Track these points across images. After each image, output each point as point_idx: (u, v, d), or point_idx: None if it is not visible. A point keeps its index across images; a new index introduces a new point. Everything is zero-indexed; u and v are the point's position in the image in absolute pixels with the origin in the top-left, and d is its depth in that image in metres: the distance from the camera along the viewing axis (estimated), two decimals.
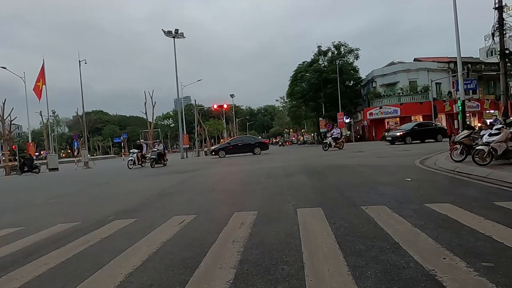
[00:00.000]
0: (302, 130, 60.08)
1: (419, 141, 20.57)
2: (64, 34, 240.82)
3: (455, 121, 17.54)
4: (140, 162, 16.04)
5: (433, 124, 22.53)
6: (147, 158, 16.52)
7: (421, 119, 33.33)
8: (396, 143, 20.16)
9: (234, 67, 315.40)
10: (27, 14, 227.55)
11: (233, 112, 57.70)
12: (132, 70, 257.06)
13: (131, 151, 17.09)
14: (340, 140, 19.10)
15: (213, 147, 26.02)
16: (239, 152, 21.77)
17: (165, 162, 16.24)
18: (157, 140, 17.16)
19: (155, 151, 15.92)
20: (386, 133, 24.56)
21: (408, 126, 22.48)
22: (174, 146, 77.75)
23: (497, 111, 31.60)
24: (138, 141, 20.08)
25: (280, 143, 52.29)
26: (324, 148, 18.53)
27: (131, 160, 15.83)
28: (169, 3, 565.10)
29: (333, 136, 19.14)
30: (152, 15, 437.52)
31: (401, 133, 20.98)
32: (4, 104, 27.15)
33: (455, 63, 18.02)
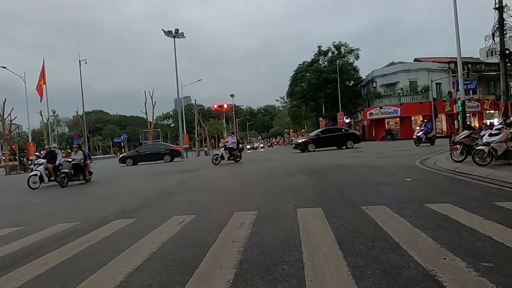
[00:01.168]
0: (302, 130, 60.08)
1: (325, 149, 18.91)
2: (64, 34, 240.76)
3: (455, 121, 17.46)
4: (53, 178, 10.20)
5: (343, 130, 20.90)
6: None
7: (421, 119, 33.41)
8: (301, 150, 18.92)
9: (234, 67, 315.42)
10: (27, 14, 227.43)
11: (233, 112, 57.73)
12: (132, 70, 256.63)
13: (35, 162, 11.04)
14: (237, 152, 14.24)
15: (121, 155, 24.02)
16: (148, 160, 20.50)
17: (88, 177, 10.75)
18: (75, 146, 11.40)
19: (70, 161, 10.35)
20: (292, 139, 23.07)
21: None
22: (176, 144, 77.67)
23: (497, 111, 31.59)
24: (48, 146, 14.01)
25: (268, 144, 51.29)
26: (214, 162, 13.51)
27: (36, 175, 9.91)
28: (169, 3, 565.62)
29: (227, 146, 13.87)
30: (152, 15, 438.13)
31: (303, 140, 19.85)
32: (4, 103, 27.15)
33: (455, 63, 18.02)
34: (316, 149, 18.70)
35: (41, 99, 25.24)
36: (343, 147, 18.80)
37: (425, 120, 17.41)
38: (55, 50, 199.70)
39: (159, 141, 17.43)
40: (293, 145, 20.71)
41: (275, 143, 55.44)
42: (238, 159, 14.41)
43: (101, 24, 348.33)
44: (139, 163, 20.30)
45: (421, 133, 16.53)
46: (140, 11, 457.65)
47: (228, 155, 13.87)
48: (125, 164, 20.53)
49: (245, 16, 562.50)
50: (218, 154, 13.83)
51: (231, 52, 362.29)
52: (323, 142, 19.11)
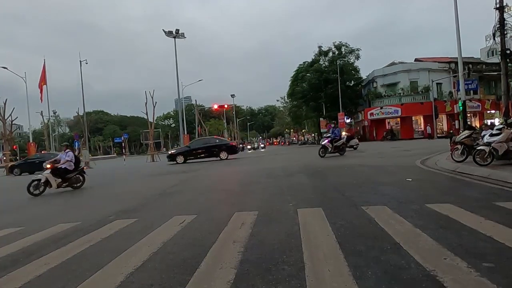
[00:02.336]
0: (303, 130, 60.09)
1: (197, 160, 18.07)
2: (64, 34, 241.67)
3: (456, 121, 17.38)
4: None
5: (217, 141, 19.35)
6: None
7: (422, 119, 33.38)
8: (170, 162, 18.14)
9: (234, 67, 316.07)
10: (27, 14, 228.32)
11: (233, 112, 57.73)
12: (132, 70, 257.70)
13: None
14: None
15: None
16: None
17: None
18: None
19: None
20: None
21: (195, 143, 19.60)
22: (175, 146, 77.82)
23: (498, 111, 31.55)
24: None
25: (256, 145, 50.10)
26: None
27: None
28: (169, 3, 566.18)
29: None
30: (152, 15, 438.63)
31: (172, 152, 19.20)
32: (5, 104, 27.21)
33: (456, 63, 18.01)
34: (187, 161, 17.79)
35: (42, 99, 25.30)
36: (217, 159, 17.73)
37: (332, 125, 15.99)
38: (55, 50, 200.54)
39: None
40: (167, 157, 19.12)
41: (275, 143, 55.34)
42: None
43: (101, 24, 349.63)
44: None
45: (326, 141, 13.59)
46: (139, 11, 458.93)
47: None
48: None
49: (245, 16, 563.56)
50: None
51: (231, 52, 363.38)
52: (194, 154, 18.19)
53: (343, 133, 17.98)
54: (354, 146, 17.76)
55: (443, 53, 62.99)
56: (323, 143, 13.74)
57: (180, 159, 17.91)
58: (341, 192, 5.20)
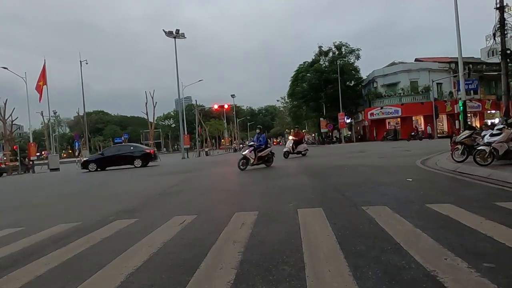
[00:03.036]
0: (303, 131, 60.11)
1: (112, 168, 17.63)
2: (64, 34, 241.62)
3: (456, 121, 17.35)
4: None
5: (131, 148, 18.60)
6: None
7: (422, 119, 33.36)
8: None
9: (234, 67, 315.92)
10: (27, 14, 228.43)
11: (233, 113, 57.73)
12: (132, 70, 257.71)
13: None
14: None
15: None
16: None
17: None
18: None
19: None
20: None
21: (109, 151, 19.30)
22: (175, 146, 77.83)
23: (498, 111, 31.52)
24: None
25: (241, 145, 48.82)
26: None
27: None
28: (169, 3, 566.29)
29: None
30: (151, 15, 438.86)
31: (85, 159, 18.68)
32: (5, 104, 27.22)
33: (456, 63, 18.00)
34: (98, 169, 17.34)
35: (40, 99, 25.28)
36: (131, 167, 17.27)
37: (258, 131, 11.46)
38: (55, 50, 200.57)
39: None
40: (81, 164, 18.65)
41: (275, 142, 55.40)
42: None
43: (101, 24, 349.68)
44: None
45: (247, 150, 10.66)
46: (139, 11, 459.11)
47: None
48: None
49: (244, 16, 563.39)
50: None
51: (231, 52, 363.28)
52: (107, 161, 17.79)
53: (290, 137, 16.12)
54: (303, 152, 15.29)
55: (443, 53, 62.99)
56: (244, 153, 10.75)
57: (92, 166, 17.55)
58: (341, 192, 5.20)
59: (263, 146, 10.90)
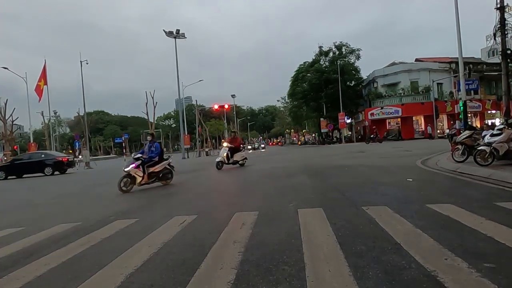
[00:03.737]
0: (303, 131, 60.09)
1: (28, 176, 16.97)
2: (64, 34, 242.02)
3: (457, 122, 17.30)
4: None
5: (42, 156, 17.92)
6: None
7: (423, 120, 33.34)
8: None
9: (234, 67, 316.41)
10: (26, 14, 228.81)
11: (234, 113, 57.72)
12: (132, 70, 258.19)
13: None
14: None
15: None
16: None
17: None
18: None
19: None
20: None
21: (20, 158, 18.73)
22: (175, 147, 77.84)
23: (498, 111, 31.50)
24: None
25: (256, 145, 48.52)
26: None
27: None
28: (169, 3, 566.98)
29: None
30: (151, 15, 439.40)
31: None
32: (6, 104, 27.23)
33: (457, 63, 17.98)
34: (8, 177, 16.70)
35: (40, 100, 25.29)
36: (42, 175, 16.79)
37: (149, 138, 8.44)
38: (55, 50, 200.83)
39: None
40: None
41: (274, 143, 55.45)
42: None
43: (101, 24, 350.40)
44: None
45: (133, 165, 7.58)
46: (138, 11, 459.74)
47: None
48: None
49: (244, 16, 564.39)
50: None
51: (231, 52, 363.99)
52: (17, 169, 17.17)
53: (225, 144, 12.87)
54: (240, 162, 12.37)
55: (443, 53, 62.98)
56: (126, 169, 7.65)
57: (1, 174, 16.84)
58: (342, 192, 5.20)
59: (156, 159, 8.09)
